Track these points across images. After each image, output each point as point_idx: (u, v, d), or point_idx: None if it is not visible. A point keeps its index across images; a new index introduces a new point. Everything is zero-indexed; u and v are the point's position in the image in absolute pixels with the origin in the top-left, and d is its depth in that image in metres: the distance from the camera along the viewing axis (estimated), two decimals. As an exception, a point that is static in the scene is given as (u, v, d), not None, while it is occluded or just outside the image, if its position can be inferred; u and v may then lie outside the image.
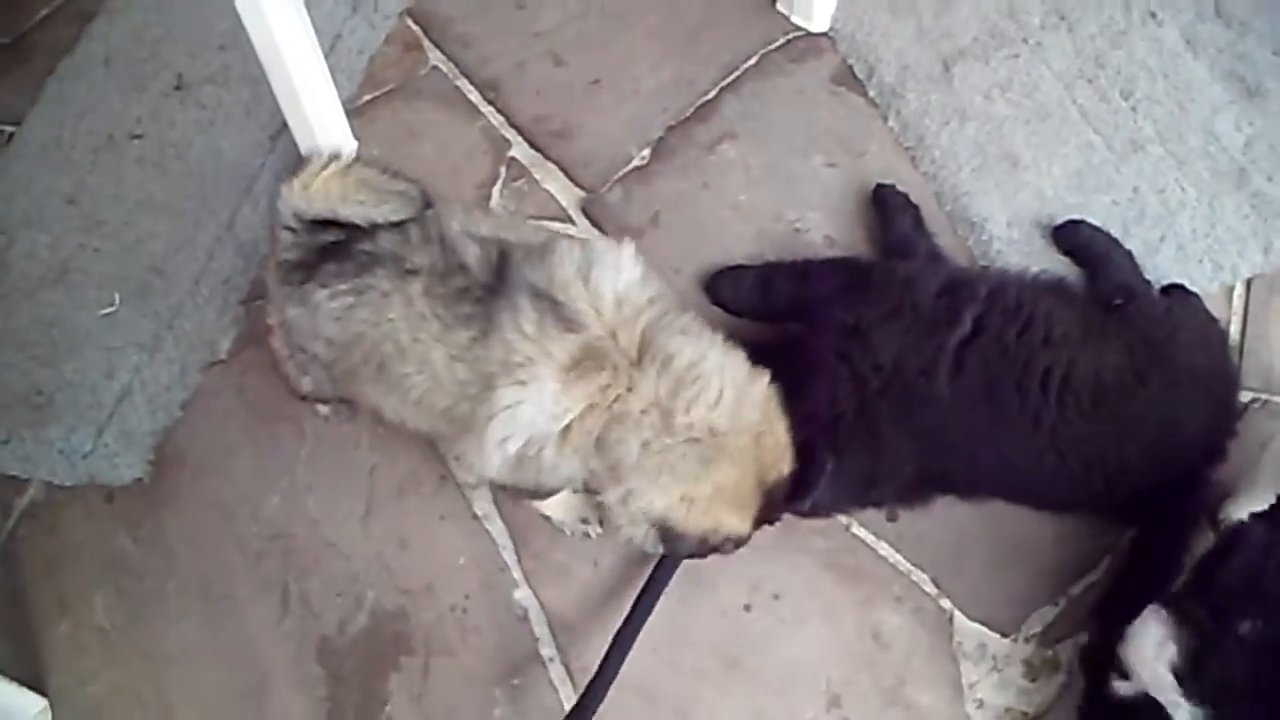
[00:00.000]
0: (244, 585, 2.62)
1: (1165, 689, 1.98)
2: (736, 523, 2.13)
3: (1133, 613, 2.08)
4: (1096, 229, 2.81)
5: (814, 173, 3.00)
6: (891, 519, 2.62)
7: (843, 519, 2.62)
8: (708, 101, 3.12)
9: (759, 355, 2.51)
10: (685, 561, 2.42)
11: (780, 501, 2.19)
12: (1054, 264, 2.77)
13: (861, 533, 2.61)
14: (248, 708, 2.52)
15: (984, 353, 2.40)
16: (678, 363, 2.03)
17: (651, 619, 2.45)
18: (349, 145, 2.93)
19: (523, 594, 2.57)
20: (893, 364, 2.40)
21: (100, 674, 2.57)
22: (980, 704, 2.46)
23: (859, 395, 2.41)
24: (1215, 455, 2.48)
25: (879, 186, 2.90)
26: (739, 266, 2.78)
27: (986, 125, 3.03)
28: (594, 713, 2.26)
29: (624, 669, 2.38)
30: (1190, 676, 1.96)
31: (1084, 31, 3.15)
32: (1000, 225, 2.88)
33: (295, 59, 2.61)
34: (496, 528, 2.64)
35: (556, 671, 2.50)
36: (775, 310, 2.67)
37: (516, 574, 2.59)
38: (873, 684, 2.47)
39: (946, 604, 2.54)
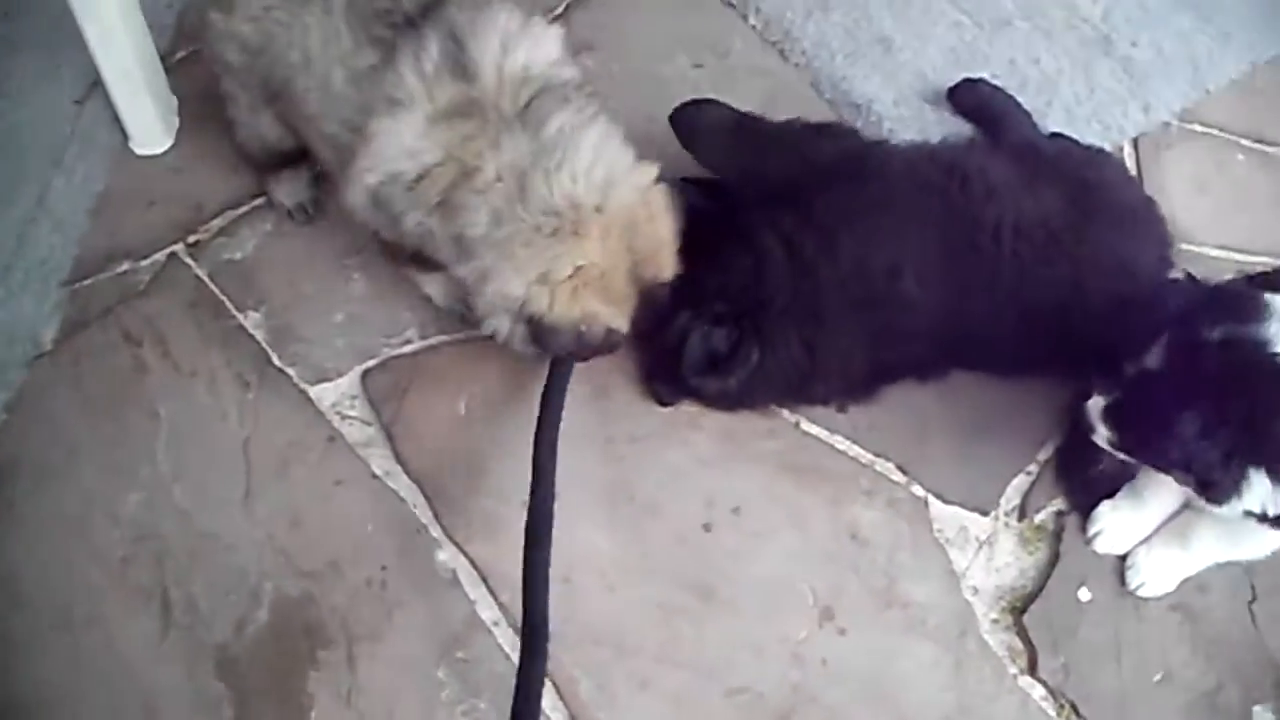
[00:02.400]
0: (112, 603, 2.04)
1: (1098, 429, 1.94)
2: (609, 314, 1.92)
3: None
4: (994, 87, 2.64)
5: (681, 74, 2.73)
6: (841, 411, 2.31)
7: (789, 416, 2.30)
8: (555, 18, 2.78)
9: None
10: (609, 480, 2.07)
11: (658, 304, 2.01)
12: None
13: (813, 429, 2.29)
14: (139, 748, 1.95)
15: (939, 223, 2.16)
16: (549, 128, 1.86)
17: (604, 557, 2.11)
18: (170, 101, 2.56)
19: (447, 554, 2.11)
20: (854, 264, 2.13)
21: (-52, 756, 1.96)
22: (975, 590, 2.17)
23: (797, 285, 2.12)
24: None
25: None
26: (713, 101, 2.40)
27: (853, 12, 2.85)
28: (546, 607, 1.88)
29: (589, 620, 2.04)
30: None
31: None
32: (887, 105, 2.68)
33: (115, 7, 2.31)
34: (403, 484, 2.17)
35: (504, 635, 2.03)
36: (739, 164, 2.33)
37: (436, 532, 2.12)
38: (862, 587, 2.14)
39: (919, 490, 2.25)
